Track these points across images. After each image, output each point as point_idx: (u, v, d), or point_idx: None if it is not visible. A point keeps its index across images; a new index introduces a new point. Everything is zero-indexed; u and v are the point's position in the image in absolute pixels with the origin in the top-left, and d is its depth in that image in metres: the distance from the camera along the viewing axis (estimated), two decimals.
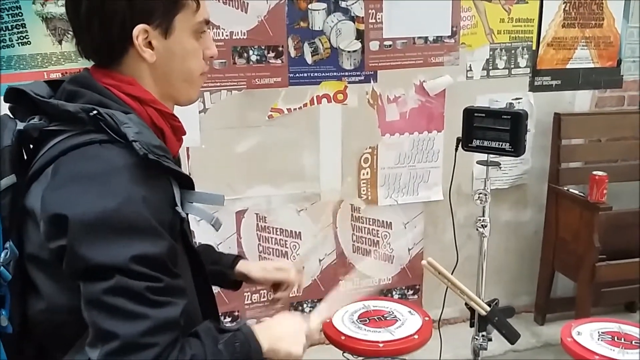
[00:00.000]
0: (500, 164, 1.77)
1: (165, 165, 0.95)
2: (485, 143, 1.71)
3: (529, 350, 2.94)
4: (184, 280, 1.01)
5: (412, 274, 2.99)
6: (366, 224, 2.85)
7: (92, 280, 0.88)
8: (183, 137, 1.14)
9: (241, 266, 1.42)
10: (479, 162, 1.79)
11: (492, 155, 1.75)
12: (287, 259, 2.74)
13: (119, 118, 0.95)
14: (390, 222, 2.88)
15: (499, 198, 3.02)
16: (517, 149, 1.66)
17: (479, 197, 1.79)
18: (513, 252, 3.21)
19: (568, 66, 3.00)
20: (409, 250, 2.95)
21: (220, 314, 1.26)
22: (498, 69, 2.91)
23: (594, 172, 2.68)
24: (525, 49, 2.92)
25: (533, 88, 2.98)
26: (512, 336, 1.81)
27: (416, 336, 1.50)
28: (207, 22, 1.09)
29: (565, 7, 2.91)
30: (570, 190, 2.86)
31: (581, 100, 3.08)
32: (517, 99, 2.96)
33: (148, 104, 1.04)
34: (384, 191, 2.83)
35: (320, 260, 2.80)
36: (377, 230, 2.87)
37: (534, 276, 3.15)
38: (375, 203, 2.83)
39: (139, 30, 1.00)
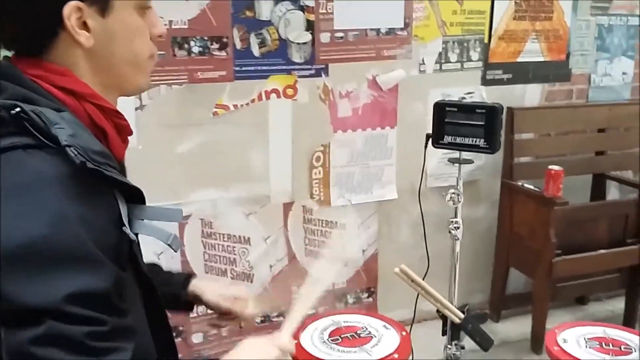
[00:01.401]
0: (473, 161, 1.65)
1: (107, 176, 0.79)
2: (458, 139, 1.59)
3: None
4: (135, 315, 0.85)
5: (367, 277, 2.86)
6: (319, 225, 2.70)
7: (17, 327, 0.70)
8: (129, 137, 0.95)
9: (194, 286, 1.26)
10: (450, 160, 1.67)
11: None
12: (236, 266, 2.54)
13: (48, 117, 0.78)
14: (344, 223, 2.74)
15: None
16: (492, 145, 1.55)
17: (451, 197, 1.67)
18: (466, 249, 3.10)
19: (519, 59, 2.96)
20: (364, 251, 2.83)
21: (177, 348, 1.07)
22: (451, 62, 2.82)
23: (550, 167, 2.64)
24: (477, 42, 2.85)
25: (485, 82, 2.92)
26: (485, 343, 1.72)
27: (396, 355, 1.36)
28: None
29: None
30: (525, 185, 2.81)
31: (531, 94, 3.05)
32: (469, 93, 2.89)
33: (85, 98, 0.86)
34: (336, 191, 2.68)
35: (271, 267, 2.62)
36: (330, 232, 2.72)
37: (488, 273, 3.10)
38: (328, 204, 2.68)
39: (70, 8, 0.82)
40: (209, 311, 1.30)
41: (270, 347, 1.05)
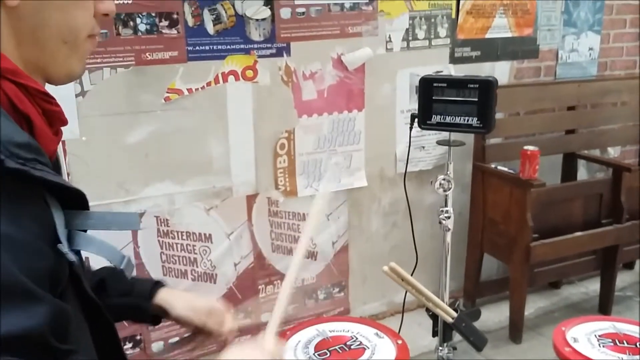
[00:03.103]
0: (464, 143, 1.49)
1: (35, 176, 0.60)
2: (448, 119, 1.43)
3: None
4: (83, 351, 0.67)
5: (338, 270, 2.69)
6: (285, 218, 2.50)
7: None
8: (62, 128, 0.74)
9: (162, 298, 1.04)
10: (439, 142, 1.50)
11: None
12: (197, 266, 2.32)
13: None
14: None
15: (422, 180, 2.80)
16: (486, 124, 1.40)
17: (440, 184, 1.50)
18: (438, 236, 3.01)
19: (487, 36, 2.83)
20: (333, 244, 2.65)
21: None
22: (418, 39, 2.66)
23: (525, 147, 2.52)
24: (445, 17, 2.70)
25: (453, 60, 2.78)
26: (480, 342, 1.58)
27: None
28: None
29: None
30: (499, 167, 2.69)
31: (500, 71, 2.93)
32: (438, 72, 2.73)
33: (3, 75, 0.65)
34: (303, 180, 2.49)
35: (235, 265, 2.41)
36: (298, 225, 2.52)
37: (461, 260, 2.97)
38: (294, 194, 2.48)
39: None
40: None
41: (258, 353, 0.86)
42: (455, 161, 2.95)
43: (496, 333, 2.72)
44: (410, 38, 2.64)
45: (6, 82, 0.64)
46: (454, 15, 2.71)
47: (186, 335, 1.10)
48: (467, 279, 2.95)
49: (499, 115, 2.91)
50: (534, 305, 2.91)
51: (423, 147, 2.77)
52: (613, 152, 3.36)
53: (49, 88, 0.73)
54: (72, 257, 0.65)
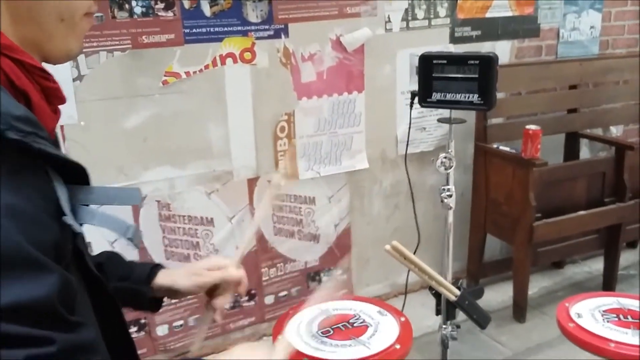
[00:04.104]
0: (465, 121, 1.47)
1: (37, 148, 0.60)
2: (448, 96, 1.41)
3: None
4: (89, 326, 0.66)
5: (340, 253, 2.68)
6: (287, 201, 2.49)
7: None
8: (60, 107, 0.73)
9: (162, 278, 1.01)
10: (440, 120, 1.48)
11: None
12: (200, 250, 2.32)
13: None
14: (314, 197, 2.54)
15: (424, 161, 2.79)
16: (487, 101, 1.38)
17: (442, 162, 1.49)
18: (440, 217, 3.00)
19: (487, 15, 2.80)
20: (335, 226, 2.64)
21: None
22: (418, 19, 2.63)
23: (527, 127, 2.50)
24: None
25: (453, 40, 2.75)
26: (483, 320, 1.57)
27: (397, 345, 1.18)
28: None
29: None
30: (501, 147, 2.67)
31: (501, 51, 2.90)
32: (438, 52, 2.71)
33: (1, 51, 0.63)
34: (304, 163, 2.48)
35: (237, 248, 2.39)
36: (300, 208, 2.51)
37: (464, 241, 2.97)
38: (295, 177, 2.47)
39: None
40: (174, 300, 1.06)
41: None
42: (457, 142, 2.92)
43: (500, 313, 2.72)
44: (409, 18, 2.61)
45: (3, 58, 0.63)
46: None
47: (205, 302, 1.07)
48: (470, 259, 2.95)
49: (500, 95, 2.89)
50: (537, 284, 2.91)
51: (424, 129, 2.75)
52: (615, 131, 3.33)
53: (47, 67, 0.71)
54: (78, 228, 0.64)
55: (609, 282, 2.84)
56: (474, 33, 2.80)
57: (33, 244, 0.57)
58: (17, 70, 0.65)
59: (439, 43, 2.71)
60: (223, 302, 1.04)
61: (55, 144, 0.74)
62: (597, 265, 3.00)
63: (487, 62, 1.36)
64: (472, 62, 1.36)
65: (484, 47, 2.85)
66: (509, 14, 2.86)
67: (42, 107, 0.67)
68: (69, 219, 0.63)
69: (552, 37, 3.02)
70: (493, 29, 2.84)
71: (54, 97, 0.70)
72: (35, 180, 0.61)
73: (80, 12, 0.71)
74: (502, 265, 2.93)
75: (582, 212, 2.64)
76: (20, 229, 0.56)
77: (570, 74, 2.95)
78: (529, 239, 2.54)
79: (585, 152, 3.26)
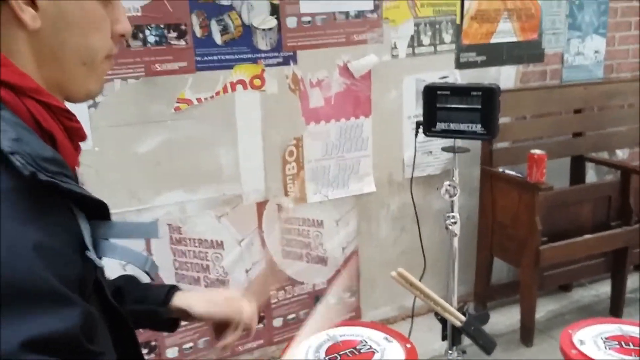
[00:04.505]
0: (469, 150, 1.51)
1: (65, 188, 0.63)
2: (452, 126, 1.45)
3: None
4: (108, 354, 0.70)
5: (348, 275, 2.70)
6: (295, 224, 2.53)
7: None
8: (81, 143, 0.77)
9: (179, 300, 1.05)
10: (444, 149, 1.52)
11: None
12: (210, 272, 2.35)
13: None
14: (322, 221, 2.58)
15: (431, 184, 2.82)
16: (490, 131, 1.42)
17: (446, 190, 1.52)
18: (447, 240, 3.03)
19: (492, 40, 2.85)
20: (343, 249, 2.67)
21: None
22: (423, 45, 2.69)
23: (532, 151, 2.53)
24: (449, 23, 2.72)
25: (459, 65, 2.80)
26: (489, 346, 1.59)
27: None
28: None
29: None
30: (506, 171, 2.70)
31: (506, 76, 2.95)
32: (443, 77, 2.77)
33: (28, 94, 0.67)
34: (312, 186, 2.52)
35: (247, 271, 2.44)
36: (308, 231, 2.55)
37: (471, 264, 2.99)
38: (303, 201, 2.51)
39: None
40: (184, 323, 1.10)
41: None
42: (463, 165, 2.98)
43: (507, 336, 2.73)
44: (415, 44, 2.66)
45: (30, 100, 0.67)
46: (458, 21, 2.74)
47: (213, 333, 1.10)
48: (477, 282, 2.96)
49: (505, 120, 2.93)
50: (544, 308, 2.91)
51: (430, 152, 2.79)
52: (621, 154, 3.36)
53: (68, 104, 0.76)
54: (100, 263, 0.68)
55: (616, 306, 2.84)
56: (479, 58, 2.85)
57: (59, 278, 0.61)
58: (44, 112, 0.69)
59: (445, 68, 2.76)
60: (233, 339, 1.07)
61: (76, 177, 0.79)
62: (604, 289, 3.01)
63: (490, 93, 1.40)
64: (475, 93, 1.40)
65: (489, 72, 2.89)
66: (514, 39, 2.91)
67: (66, 146, 0.71)
68: (91, 254, 0.66)
69: (556, 61, 3.07)
70: (498, 54, 2.89)
71: (76, 135, 0.74)
72: (61, 217, 0.65)
73: (101, 55, 0.74)
74: (509, 288, 2.94)
75: (588, 236, 2.66)
76: (47, 265, 0.60)
77: (575, 98, 2.99)
78: (535, 262, 2.56)
79: (591, 175, 3.28)
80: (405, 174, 2.77)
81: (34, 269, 0.59)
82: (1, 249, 0.57)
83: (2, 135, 0.60)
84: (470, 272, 2.99)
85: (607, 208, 2.78)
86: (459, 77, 2.81)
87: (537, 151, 2.54)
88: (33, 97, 0.68)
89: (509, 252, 2.75)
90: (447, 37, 2.74)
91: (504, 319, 2.83)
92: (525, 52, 2.96)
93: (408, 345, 1.34)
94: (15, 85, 0.66)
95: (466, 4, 2.73)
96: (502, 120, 2.92)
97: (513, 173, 2.69)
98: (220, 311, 1.05)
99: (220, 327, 1.07)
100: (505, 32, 2.88)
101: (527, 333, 2.66)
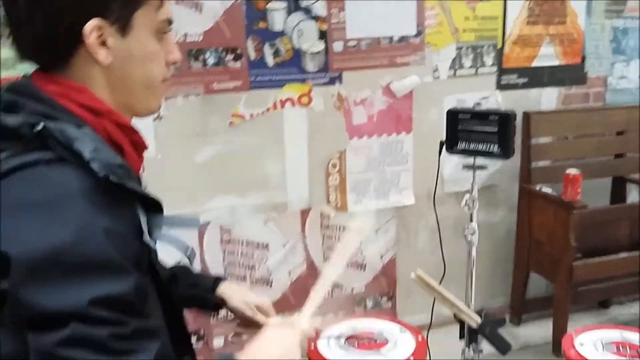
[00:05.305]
0: (487, 167, 1.66)
1: (129, 188, 0.80)
2: (471, 146, 1.60)
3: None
4: (156, 318, 0.88)
5: (386, 282, 2.87)
6: (336, 231, 2.72)
7: (43, 330, 0.72)
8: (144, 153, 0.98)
9: (222, 290, 1.31)
10: (465, 166, 1.68)
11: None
12: (255, 271, 2.58)
13: (70, 133, 0.80)
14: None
15: None
16: (505, 151, 1.56)
17: (466, 202, 1.67)
18: (486, 254, 3.13)
19: (534, 64, 2.95)
20: (382, 257, 2.84)
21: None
22: (464, 68, 2.83)
23: (568, 171, 2.62)
24: (491, 47, 2.85)
25: (500, 87, 2.92)
26: (503, 347, 1.72)
27: (412, 358, 1.37)
28: (170, 22, 0.94)
29: (529, 4, 2.86)
30: (543, 189, 2.80)
31: (547, 98, 3.04)
32: (484, 98, 2.89)
33: (104, 115, 0.88)
34: (353, 197, 2.70)
35: (289, 272, 2.65)
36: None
37: (508, 277, 3.09)
38: (345, 209, 2.69)
39: (92, 25, 0.83)
40: (230, 315, 1.33)
41: (291, 336, 1.06)
42: (504, 182, 3.11)
43: (541, 347, 2.82)
44: (456, 67, 2.81)
45: (106, 121, 0.88)
46: (499, 45, 2.86)
47: (238, 322, 1.33)
48: (513, 295, 3.06)
49: (546, 139, 3.03)
50: (580, 322, 2.95)
51: (468, 170, 2.91)
52: None
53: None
54: (153, 245, 0.85)
55: None
56: (520, 80, 2.96)
57: (120, 255, 0.77)
58: (116, 130, 0.90)
59: (485, 90, 2.89)
60: (249, 332, 1.27)
61: (139, 180, 1.01)
62: None
63: (506, 118, 1.55)
64: (492, 117, 1.56)
65: (530, 94, 2.99)
66: (556, 63, 2.99)
67: (131, 155, 0.93)
68: (147, 238, 0.85)
69: (599, 84, 3.13)
70: (539, 76, 2.98)
71: (140, 147, 0.97)
72: (125, 210, 0.83)
73: (159, 80, 0.95)
74: (545, 302, 3.01)
75: (623, 254, 2.71)
76: (112, 244, 0.76)
77: (617, 120, 3.05)
78: (568, 278, 2.64)
79: (634, 196, 3.31)
80: (445, 188, 2.90)
81: (101, 247, 0.75)
82: (79, 230, 0.76)
83: (85, 147, 0.79)
84: (508, 284, 3.09)
85: None
86: (500, 98, 2.93)
87: (573, 171, 2.63)
88: (108, 118, 0.90)
89: (544, 267, 2.84)
90: (489, 60, 2.87)
91: (539, 331, 2.91)
92: (568, 75, 3.04)
93: (420, 338, 1.51)
94: (94, 108, 0.87)
95: (508, 29, 2.86)
96: (543, 140, 3.04)
97: (549, 191, 2.78)
98: (250, 312, 1.29)
99: (247, 320, 1.31)
100: (548, 56, 2.97)
101: (558, 345, 2.70)
